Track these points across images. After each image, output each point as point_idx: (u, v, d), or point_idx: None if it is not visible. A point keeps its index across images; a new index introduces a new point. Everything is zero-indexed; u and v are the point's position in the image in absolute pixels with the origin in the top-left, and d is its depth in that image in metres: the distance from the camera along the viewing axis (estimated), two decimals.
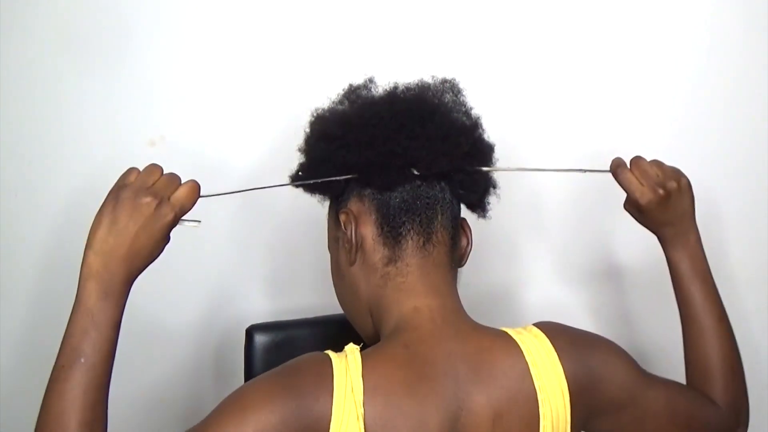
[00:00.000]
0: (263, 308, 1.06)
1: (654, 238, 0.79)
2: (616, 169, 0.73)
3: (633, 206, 0.75)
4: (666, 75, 1.15)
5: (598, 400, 0.67)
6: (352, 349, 0.63)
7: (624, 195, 0.75)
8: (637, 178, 0.72)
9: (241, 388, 0.62)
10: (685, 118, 1.17)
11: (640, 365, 0.72)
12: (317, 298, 1.06)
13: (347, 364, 0.60)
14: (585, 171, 0.77)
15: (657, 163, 0.73)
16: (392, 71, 0.75)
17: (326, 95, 0.76)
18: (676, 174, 0.74)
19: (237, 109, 1.02)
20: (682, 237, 0.76)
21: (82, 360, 0.59)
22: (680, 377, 0.79)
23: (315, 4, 1.03)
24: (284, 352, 0.93)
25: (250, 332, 0.93)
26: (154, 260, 0.65)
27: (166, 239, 0.65)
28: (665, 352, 0.83)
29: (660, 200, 0.72)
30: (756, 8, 1.17)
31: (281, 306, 1.07)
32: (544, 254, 1.16)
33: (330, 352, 0.63)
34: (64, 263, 0.99)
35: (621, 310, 1.19)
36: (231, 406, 0.59)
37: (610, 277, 1.18)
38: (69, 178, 0.97)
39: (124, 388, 1.01)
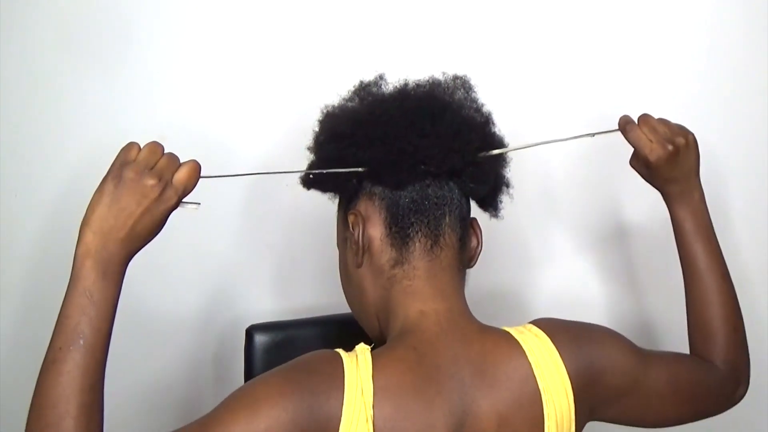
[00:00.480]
0: (263, 308, 1.06)
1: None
2: (625, 126, 0.72)
3: (641, 163, 0.75)
4: (666, 75, 1.15)
5: (601, 393, 0.67)
6: (362, 350, 0.62)
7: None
8: (645, 134, 0.71)
9: (252, 383, 0.61)
10: (684, 117, 1.16)
11: (652, 345, 0.72)
12: (317, 298, 1.06)
13: (358, 365, 0.60)
14: (594, 135, 0.75)
15: (664, 121, 0.73)
16: (402, 68, 0.75)
17: (333, 93, 0.76)
18: (684, 131, 0.73)
19: (240, 109, 1.02)
20: (687, 194, 0.76)
21: (82, 341, 0.57)
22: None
23: (319, 2, 1.03)
24: (284, 352, 0.92)
25: (250, 332, 0.93)
26: (150, 241, 0.63)
27: (166, 221, 0.63)
28: (682, 335, 0.84)
29: (669, 156, 0.71)
30: (756, 8, 1.17)
31: (281, 306, 1.07)
32: (555, 244, 1.16)
33: (341, 351, 0.62)
34: (63, 263, 0.99)
35: (634, 291, 1.20)
36: (242, 399, 0.58)
37: (622, 260, 1.19)
38: (69, 178, 0.97)
39: (124, 388, 1.01)
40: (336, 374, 0.59)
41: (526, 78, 1.11)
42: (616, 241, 1.18)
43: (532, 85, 1.11)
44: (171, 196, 0.62)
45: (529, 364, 0.64)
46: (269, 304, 1.07)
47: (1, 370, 0.98)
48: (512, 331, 0.67)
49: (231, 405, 0.58)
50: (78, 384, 0.56)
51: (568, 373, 0.65)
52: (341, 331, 0.95)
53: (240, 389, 0.60)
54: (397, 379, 0.60)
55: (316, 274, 1.06)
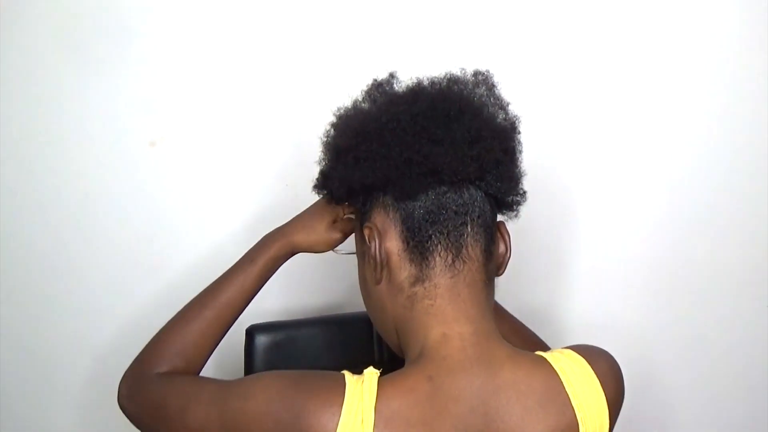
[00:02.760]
0: (263, 308, 1.05)
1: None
2: None
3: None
4: (666, 74, 1.15)
5: (612, 423, 0.65)
6: (370, 375, 0.58)
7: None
8: None
9: (257, 378, 0.62)
10: (683, 117, 1.16)
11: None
12: (317, 298, 1.06)
13: (362, 392, 0.56)
14: None
15: None
16: (418, 66, 0.72)
17: (331, 95, 0.74)
18: None
19: (238, 110, 1.02)
20: None
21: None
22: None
23: (315, 3, 1.02)
24: (284, 352, 0.93)
25: (250, 332, 0.93)
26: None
27: None
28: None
29: None
30: (756, 8, 1.17)
31: (281, 306, 1.07)
32: (581, 259, 1.15)
33: (347, 374, 0.59)
34: (63, 263, 0.99)
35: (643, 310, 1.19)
36: (242, 387, 0.61)
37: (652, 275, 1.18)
38: (69, 178, 0.97)
39: None
40: (333, 399, 0.56)
41: (541, 76, 1.10)
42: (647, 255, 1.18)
43: (544, 83, 1.10)
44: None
45: (566, 393, 0.59)
46: (269, 304, 1.06)
47: (1, 370, 0.98)
48: (547, 356, 0.62)
49: (231, 390, 0.61)
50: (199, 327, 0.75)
51: (607, 402, 0.61)
52: (341, 331, 0.95)
53: (248, 378, 0.63)
54: (405, 411, 0.56)
55: (316, 274, 1.06)
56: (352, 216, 0.76)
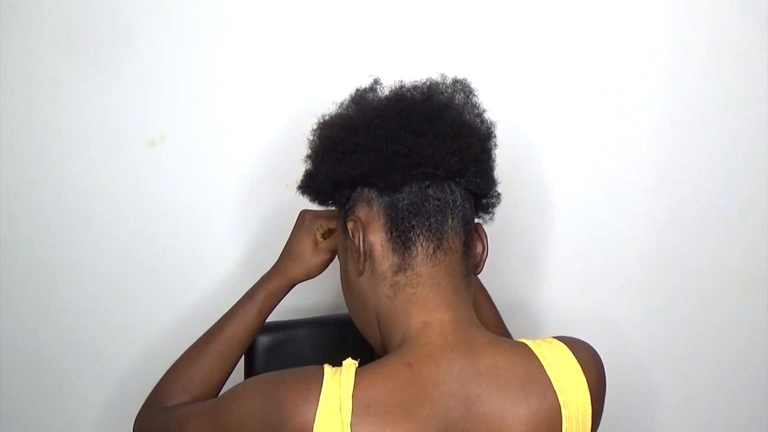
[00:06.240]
0: None
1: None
2: None
3: None
4: (666, 74, 1.15)
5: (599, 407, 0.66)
6: (347, 365, 0.60)
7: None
8: None
9: (240, 385, 0.63)
10: (684, 117, 1.17)
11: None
12: (317, 298, 1.06)
13: (340, 381, 0.58)
14: None
15: None
16: (400, 71, 0.74)
17: (329, 95, 0.75)
18: None
19: (237, 110, 1.02)
20: None
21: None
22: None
23: (318, 3, 1.03)
24: (284, 352, 0.93)
25: None
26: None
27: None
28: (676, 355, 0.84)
29: None
30: (756, 8, 1.17)
31: (281, 306, 1.06)
32: (557, 257, 1.16)
33: (327, 366, 0.60)
34: (63, 263, 0.99)
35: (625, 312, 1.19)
36: (227, 397, 0.63)
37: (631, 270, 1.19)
38: (69, 178, 0.97)
39: (124, 388, 1.02)
40: (310, 389, 0.57)
41: (524, 80, 1.10)
42: (623, 251, 1.18)
43: (531, 86, 1.10)
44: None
45: (548, 377, 0.61)
46: None
47: (0, 370, 0.98)
48: (529, 343, 0.64)
49: (221, 399, 0.64)
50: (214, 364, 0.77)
51: (590, 388, 0.62)
52: (341, 331, 0.95)
53: (235, 385, 0.64)
54: (384, 397, 0.57)
55: None
56: (332, 226, 0.79)
